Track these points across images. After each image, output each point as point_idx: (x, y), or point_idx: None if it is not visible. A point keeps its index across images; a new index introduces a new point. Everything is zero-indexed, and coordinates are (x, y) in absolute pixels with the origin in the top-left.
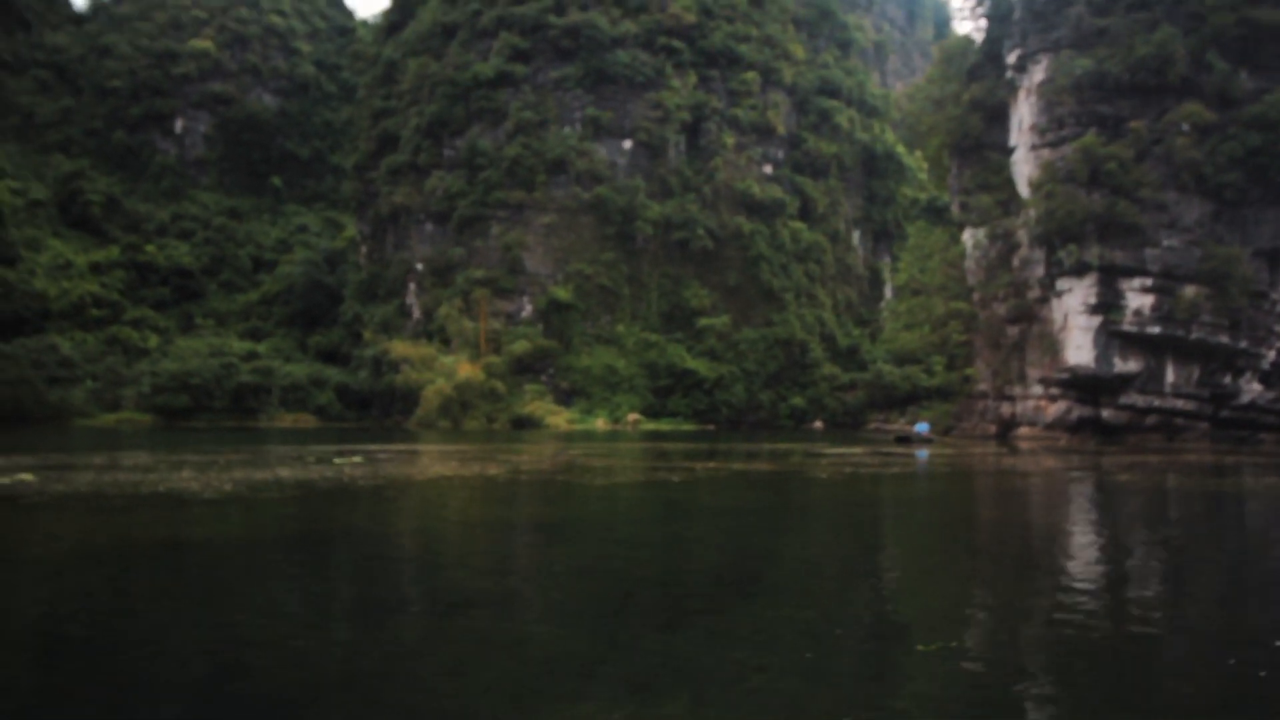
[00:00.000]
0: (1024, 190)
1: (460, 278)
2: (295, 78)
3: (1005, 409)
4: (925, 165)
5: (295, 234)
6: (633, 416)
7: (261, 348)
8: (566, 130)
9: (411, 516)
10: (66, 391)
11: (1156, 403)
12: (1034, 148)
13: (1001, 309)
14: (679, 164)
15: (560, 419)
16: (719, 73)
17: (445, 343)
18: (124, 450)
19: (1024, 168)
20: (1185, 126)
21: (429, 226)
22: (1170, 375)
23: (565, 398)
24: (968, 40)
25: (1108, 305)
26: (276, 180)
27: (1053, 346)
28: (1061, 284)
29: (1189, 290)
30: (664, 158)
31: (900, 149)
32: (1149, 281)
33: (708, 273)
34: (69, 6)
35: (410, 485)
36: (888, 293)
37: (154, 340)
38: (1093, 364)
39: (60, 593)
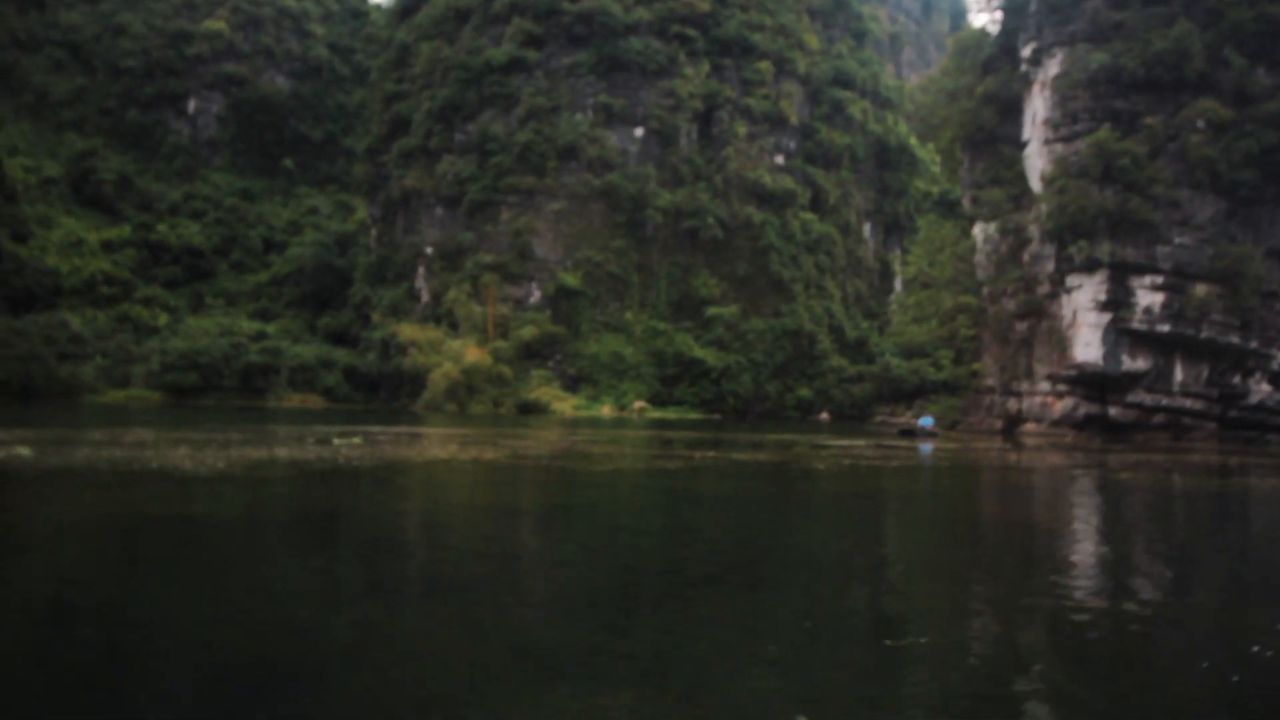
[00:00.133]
0: (1036, 185)
1: (469, 262)
2: (309, 60)
3: (1012, 404)
4: (937, 158)
5: (306, 216)
6: (639, 404)
7: (271, 328)
8: (578, 117)
9: (399, 499)
10: (76, 368)
11: (1164, 401)
12: (1047, 142)
13: (1010, 304)
14: (690, 152)
15: (566, 405)
16: (732, 61)
17: (453, 327)
18: (127, 427)
19: (1037, 162)
20: (1200, 123)
21: (439, 211)
22: (1179, 374)
23: (572, 384)
24: (983, 33)
25: (1117, 302)
26: (289, 162)
27: (1061, 343)
28: (1071, 280)
29: (1200, 289)
30: (675, 146)
31: (913, 141)
32: (1160, 279)
33: (717, 262)
34: None
35: (405, 468)
36: (897, 286)
37: (164, 319)
38: (1101, 361)
39: (19, 567)
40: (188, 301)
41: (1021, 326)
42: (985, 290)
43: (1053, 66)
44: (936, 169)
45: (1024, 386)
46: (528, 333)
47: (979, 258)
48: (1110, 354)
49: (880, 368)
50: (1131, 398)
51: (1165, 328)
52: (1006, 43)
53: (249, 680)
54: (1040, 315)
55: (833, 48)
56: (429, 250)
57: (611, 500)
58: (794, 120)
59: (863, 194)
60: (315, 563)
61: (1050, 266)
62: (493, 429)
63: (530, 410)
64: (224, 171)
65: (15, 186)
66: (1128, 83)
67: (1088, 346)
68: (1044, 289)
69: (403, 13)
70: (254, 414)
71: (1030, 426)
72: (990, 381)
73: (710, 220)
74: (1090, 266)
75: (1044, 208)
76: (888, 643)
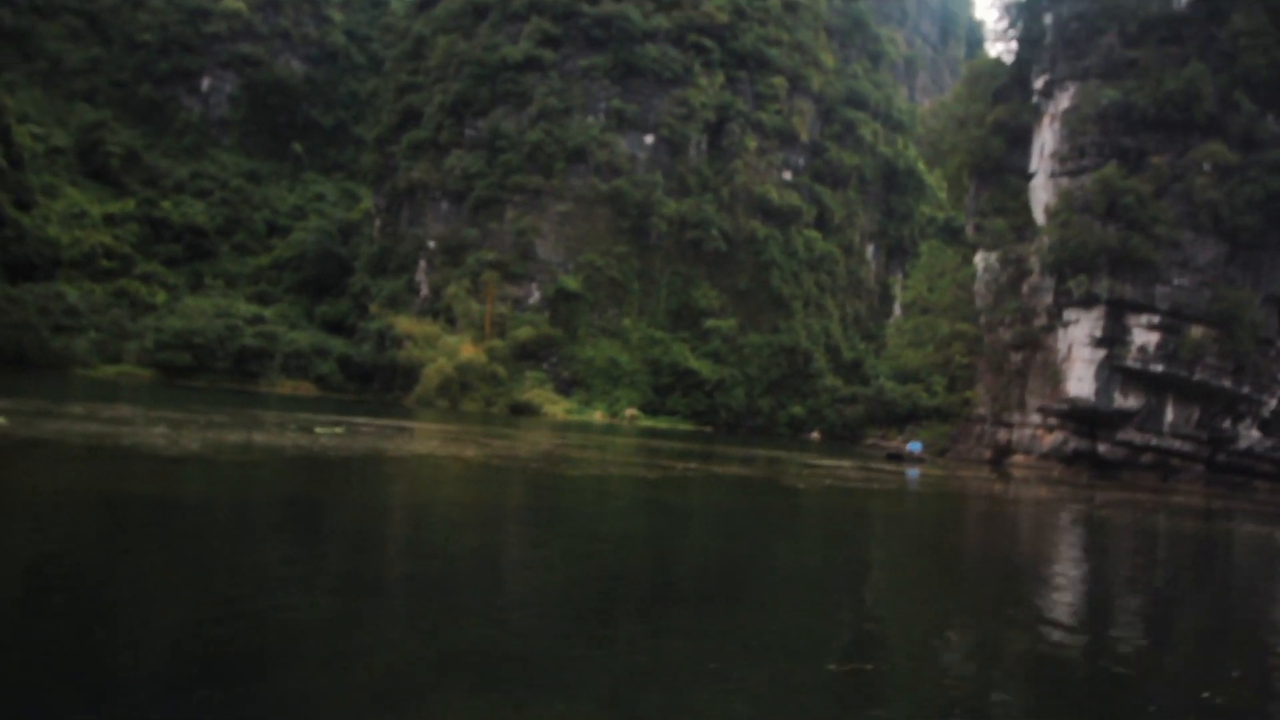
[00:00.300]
0: (1040, 217)
1: (471, 259)
2: (325, 45)
3: (1002, 435)
4: (945, 184)
5: (312, 202)
6: (631, 412)
7: (268, 312)
8: (590, 120)
9: (363, 491)
10: (70, 340)
11: (1154, 441)
12: (1053, 175)
13: (1007, 334)
14: (699, 163)
15: (559, 408)
16: (747, 75)
17: (450, 322)
18: (110, 402)
19: (1042, 194)
20: (1207, 166)
21: (444, 205)
22: (1170, 415)
23: (565, 387)
24: (997, 62)
25: (1113, 339)
26: (298, 146)
27: (1054, 376)
28: (1069, 314)
29: (1196, 331)
30: (685, 155)
31: (921, 166)
32: (1156, 319)
33: (718, 274)
34: None
35: (378, 460)
36: (897, 309)
37: (162, 296)
38: (1093, 397)
39: None
40: (187, 280)
41: (1016, 357)
42: (983, 319)
43: (1064, 100)
44: (943, 195)
45: (1015, 417)
46: (524, 333)
47: (978, 286)
48: (1103, 390)
49: (874, 390)
50: (1121, 435)
51: (1159, 367)
52: (1019, 73)
53: (185, 669)
54: (1036, 347)
55: (848, 67)
56: (431, 244)
57: (578, 506)
58: (804, 137)
59: (868, 215)
60: (258, 549)
61: (1048, 299)
62: (480, 428)
63: (522, 411)
64: (232, 152)
65: (22, 154)
66: (1137, 120)
67: (1081, 381)
68: (1041, 321)
69: (422, 4)
70: (243, 397)
71: (1019, 458)
72: (982, 410)
73: (714, 232)
74: (1088, 302)
75: (1046, 240)
76: (833, 667)
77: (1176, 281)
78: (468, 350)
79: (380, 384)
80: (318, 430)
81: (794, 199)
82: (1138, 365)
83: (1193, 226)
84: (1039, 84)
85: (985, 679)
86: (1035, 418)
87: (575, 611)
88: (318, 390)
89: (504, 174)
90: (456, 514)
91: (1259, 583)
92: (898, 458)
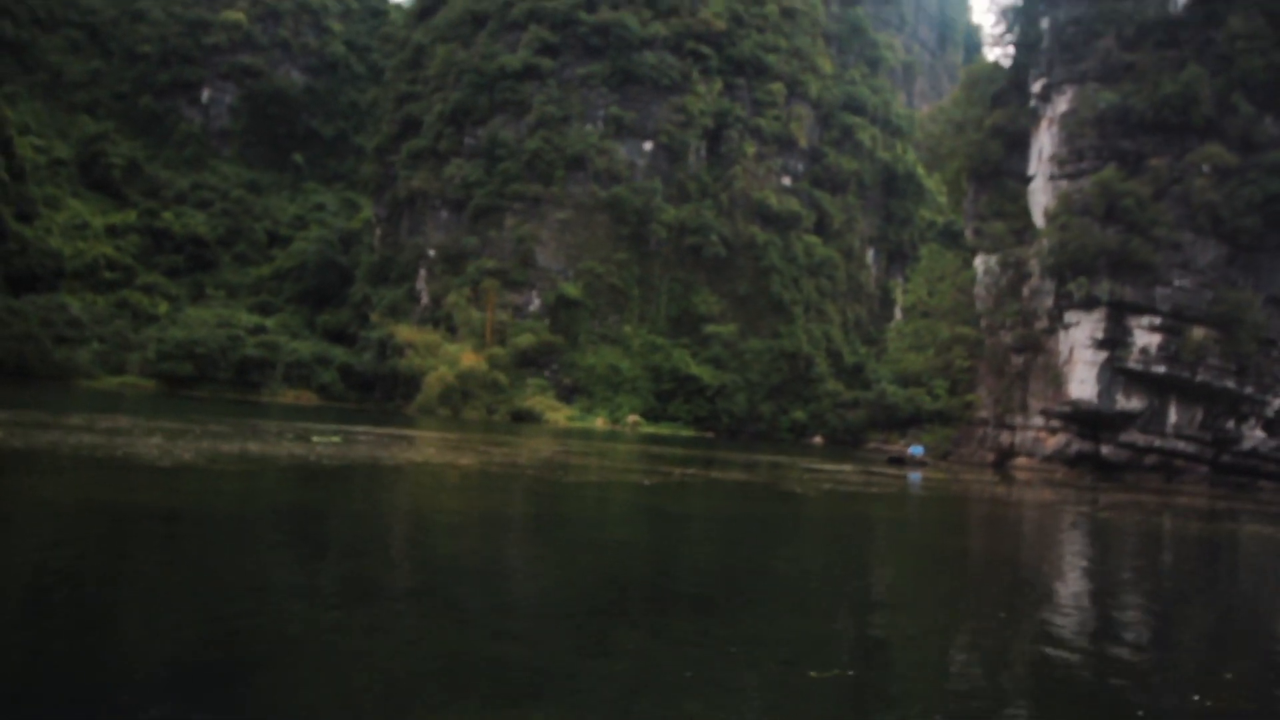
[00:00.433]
0: (1039, 220)
1: (471, 267)
2: (325, 56)
3: (1005, 438)
4: (944, 188)
5: (312, 211)
6: (632, 418)
7: (270, 322)
8: (588, 127)
9: (353, 499)
10: (73, 352)
11: (1157, 443)
12: (1052, 178)
13: (1008, 337)
14: (698, 169)
15: (560, 415)
16: (745, 81)
17: (451, 331)
18: (108, 413)
19: (1041, 197)
20: (1205, 168)
21: (444, 213)
22: (1173, 416)
23: (567, 394)
24: (994, 66)
25: (1114, 341)
26: (299, 157)
27: (1056, 379)
28: (1069, 317)
29: (1197, 332)
30: (684, 162)
31: (920, 171)
32: (1157, 320)
33: (718, 280)
34: None
35: (373, 469)
36: (898, 314)
37: (164, 307)
38: (1095, 399)
39: None
40: (189, 291)
41: (1018, 360)
42: (983, 322)
43: (1062, 103)
44: (943, 199)
45: (1018, 420)
46: (525, 341)
47: (979, 289)
48: (1105, 392)
49: (876, 394)
50: (1124, 437)
51: (1161, 369)
52: (1017, 77)
53: (172, 677)
54: (1037, 350)
55: (846, 73)
56: (432, 253)
57: (578, 513)
58: (803, 143)
59: (868, 220)
60: (248, 559)
61: (1049, 302)
62: (480, 435)
63: (523, 419)
64: (233, 163)
65: (24, 166)
66: (1135, 123)
67: (1083, 384)
68: (1042, 324)
69: (421, 14)
70: (244, 407)
71: (1022, 460)
72: (984, 413)
73: (714, 238)
74: (1089, 304)
75: (1045, 243)
76: (834, 673)
77: (1177, 283)
78: (469, 358)
79: (382, 393)
80: (314, 439)
81: (793, 204)
82: (1139, 367)
83: (1192, 228)
84: (1037, 88)
85: (987, 685)
86: (1037, 420)
87: (575, 619)
88: (319, 399)
89: (503, 182)
90: (453, 522)
91: (1263, 585)
92: (899, 462)
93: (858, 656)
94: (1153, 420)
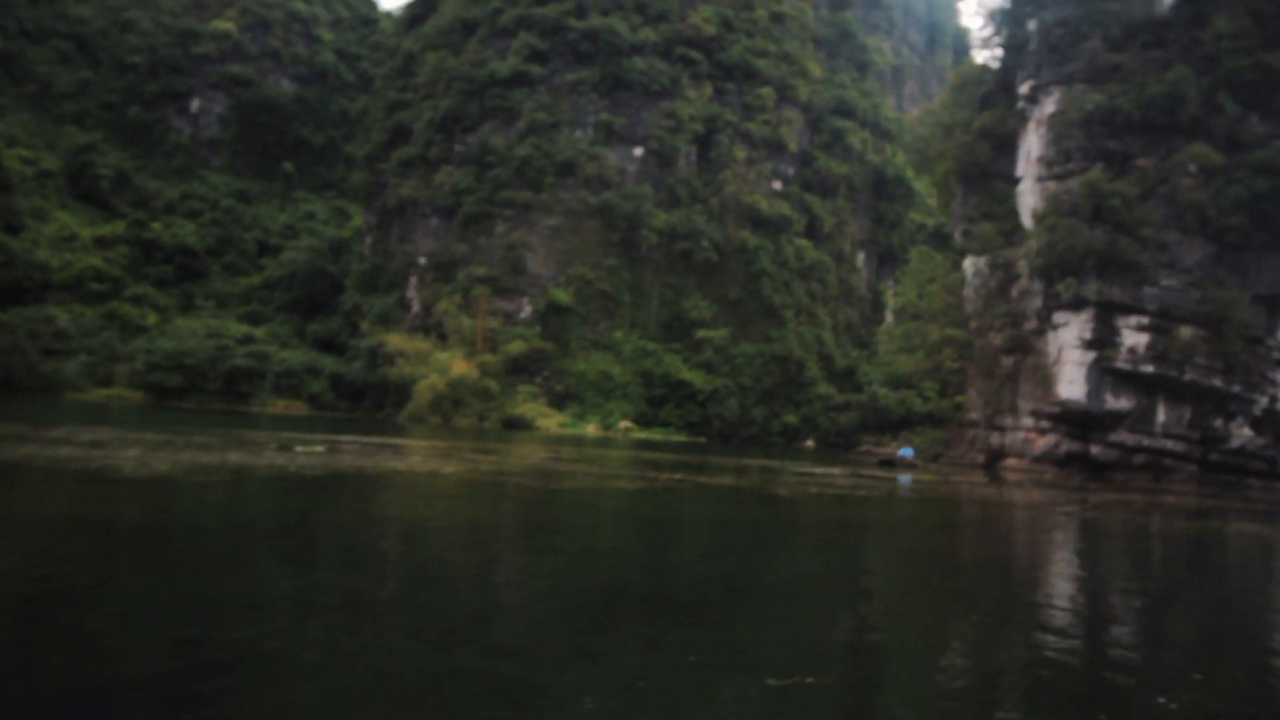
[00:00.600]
0: (1027, 221)
1: (462, 274)
2: (315, 65)
3: (995, 439)
4: (933, 191)
5: (302, 220)
6: (624, 424)
7: (259, 332)
8: (578, 134)
9: (333, 509)
10: (60, 364)
11: (1146, 442)
12: (1040, 179)
13: (997, 339)
14: (688, 174)
15: (552, 422)
16: (734, 86)
17: (442, 338)
18: (92, 425)
19: (1029, 199)
20: (1192, 168)
21: (434, 221)
22: (1161, 415)
23: (558, 401)
24: (982, 69)
25: (1103, 341)
26: (289, 166)
27: (1045, 379)
28: (1058, 317)
29: (1185, 331)
30: (674, 167)
31: (910, 173)
32: (1145, 320)
33: (709, 285)
34: None
35: (352, 478)
36: (889, 316)
37: (153, 318)
38: (1084, 399)
39: None
40: (178, 301)
41: (1007, 361)
42: (973, 324)
43: (1049, 105)
44: (932, 201)
45: (1007, 421)
46: (516, 347)
47: (968, 291)
48: (1094, 392)
49: (867, 397)
50: (1113, 437)
51: (1149, 368)
52: (1005, 79)
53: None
54: (1026, 351)
55: (835, 77)
56: (422, 260)
57: (557, 519)
58: (793, 147)
59: (858, 223)
60: (217, 572)
61: (1038, 303)
62: (469, 443)
63: (515, 426)
64: (222, 172)
65: (11, 177)
66: (1122, 124)
67: (1072, 384)
68: (1031, 325)
69: (411, 22)
70: (232, 418)
71: (1012, 462)
72: (974, 415)
73: (704, 243)
74: (1077, 305)
75: (1034, 244)
76: (827, 680)
77: (1165, 283)
78: (459, 366)
79: (372, 402)
80: (297, 449)
81: (784, 208)
82: (1128, 366)
83: (1179, 228)
84: (1024, 89)
85: (980, 686)
86: (1027, 421)
87: (563, 629)
88: (309, 409)
89: (493, 189)
90: (437, 531)
91: (1250, 582)
92: (890, 464)
93: (850, 662)
94: (1141, 420)
